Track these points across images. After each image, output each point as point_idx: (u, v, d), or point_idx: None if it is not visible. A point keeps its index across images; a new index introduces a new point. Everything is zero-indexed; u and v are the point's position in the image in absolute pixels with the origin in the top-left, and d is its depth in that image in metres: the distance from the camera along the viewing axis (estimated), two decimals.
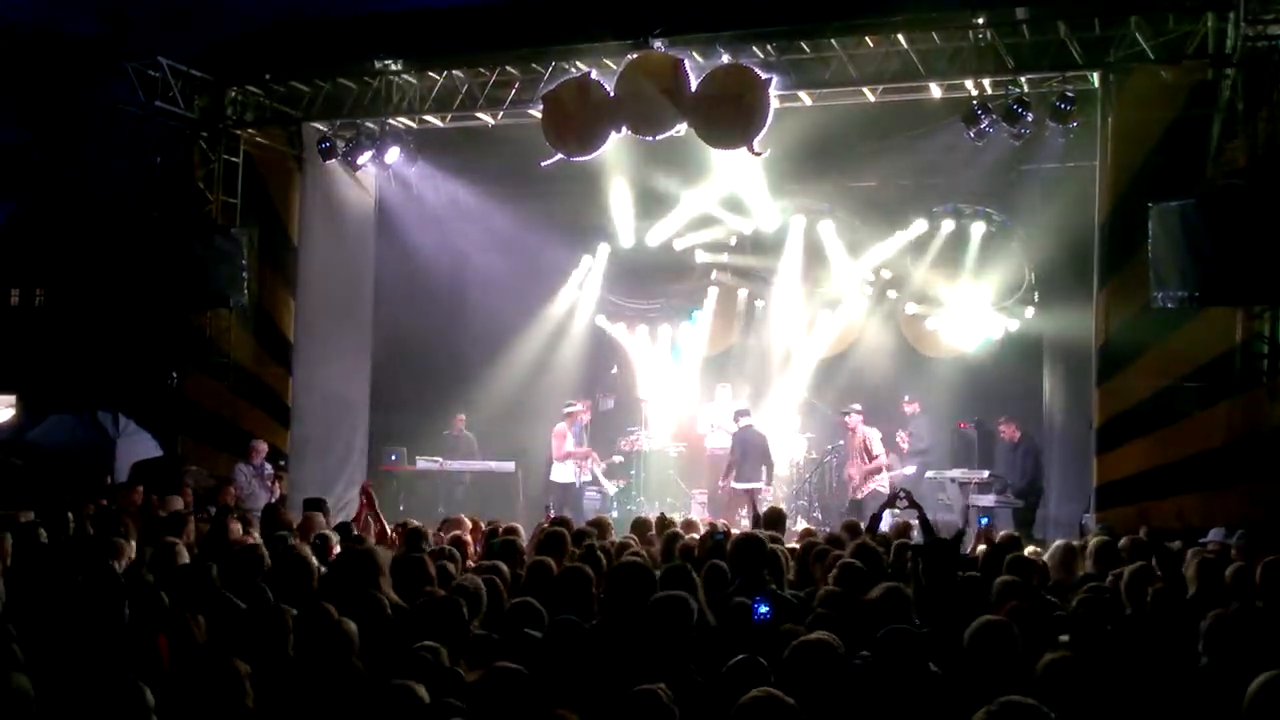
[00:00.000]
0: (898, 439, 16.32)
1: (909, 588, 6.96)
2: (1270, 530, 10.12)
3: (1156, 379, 12.41)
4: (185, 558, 7.95)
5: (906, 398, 16.56)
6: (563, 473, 16.53)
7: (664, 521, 10.45)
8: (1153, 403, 12.40)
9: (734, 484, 15.68)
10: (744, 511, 13.74)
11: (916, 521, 9.91)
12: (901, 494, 9.87)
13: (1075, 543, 9.74)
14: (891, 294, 17.34)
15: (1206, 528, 10.91)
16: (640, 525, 10.51)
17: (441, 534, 9.88)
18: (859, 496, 15.42)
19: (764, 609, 5.61)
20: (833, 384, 17.75)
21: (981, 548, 9.54)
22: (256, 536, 9.33)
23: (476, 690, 4.69)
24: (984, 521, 11.50)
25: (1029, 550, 9.23)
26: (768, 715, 4.04)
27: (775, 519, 10.06)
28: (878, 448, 15.49)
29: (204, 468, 15.07)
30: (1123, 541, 9.23)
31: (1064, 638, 6.09)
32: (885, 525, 10.51)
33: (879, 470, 15.44)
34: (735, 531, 10.32)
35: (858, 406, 15.87)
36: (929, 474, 15.84)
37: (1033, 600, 6.92)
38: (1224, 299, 12.11)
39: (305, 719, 4.23)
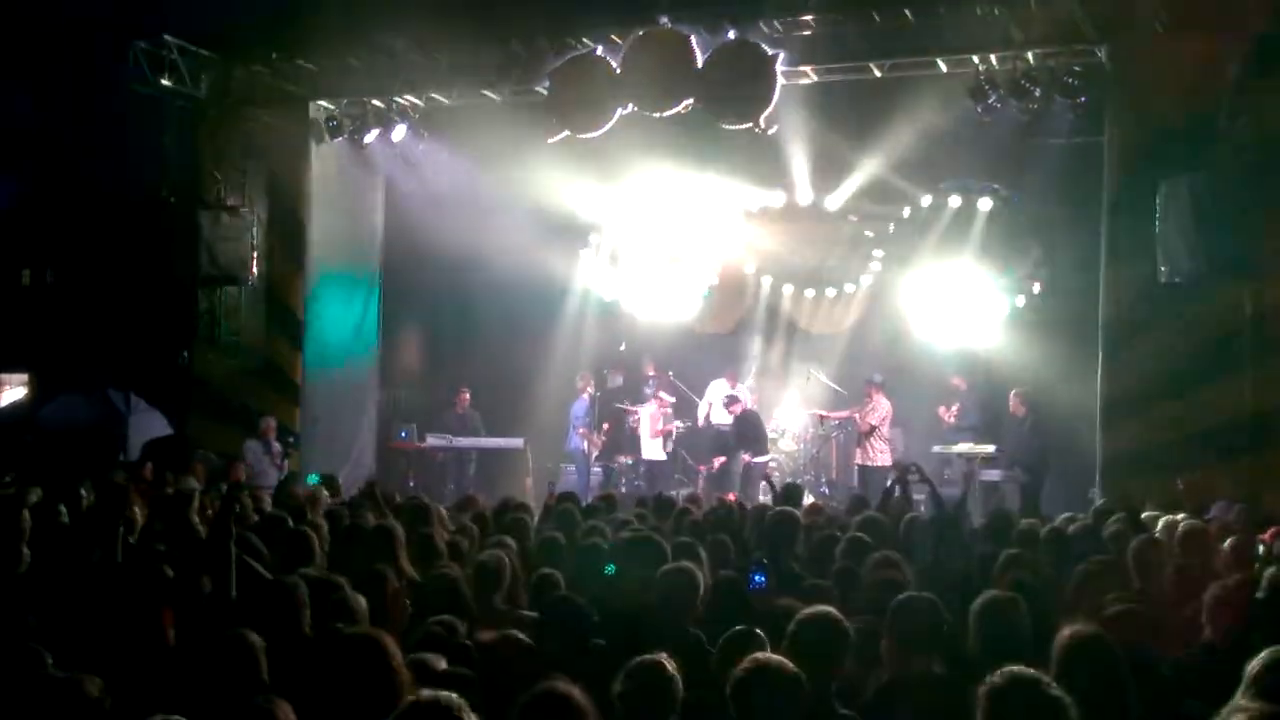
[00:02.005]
0: (940, 413, 16.25)
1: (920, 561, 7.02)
2: (1271, 504, 10.16)
3: (1163, 354, 12.40)
4: (199, 532, 8.04)
5: (957, 373, 16.44)
6: (654, 449, 17.03)
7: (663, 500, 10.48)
8: (1159, 378, 12.40)
9: (754, 459, 15.97)
10: (764, 486, 13.79)
11: (926, 495, 10.00)
12: (913, 467, 9.91)
13: (1080, 516, 9.80)
14: (897, 270, 17.28)
15: (1211, 502, 10.92)
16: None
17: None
18: (868, 465, 15.49)
19: (760, 578, 5.68)
20: (838, 360, 17.75)
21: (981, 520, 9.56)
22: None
23: (482, 656, 4.76)
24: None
25: (1026, 523, 9.24)
26: (768, 682, 4.12)
27: (793, 495, 10.12)
28: (874, 418, 15.51)
29: (212, 448, 15.13)
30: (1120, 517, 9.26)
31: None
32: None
33: (869, 432, 15.47)
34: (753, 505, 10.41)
35: (879, 377, 15.87)
36: (935, 449, 15.83)
37: (1039, 574, 6.95)
38: (1231, 273, 12.08)
39: (319, 691, 4.27)
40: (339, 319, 16.90)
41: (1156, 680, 4.77)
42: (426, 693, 3.48)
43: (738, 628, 5.09)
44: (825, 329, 18.16)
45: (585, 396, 17.27)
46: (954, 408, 16.09)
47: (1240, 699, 4.01)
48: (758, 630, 4.99)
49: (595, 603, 5.74)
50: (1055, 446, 14.90)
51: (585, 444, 17.08)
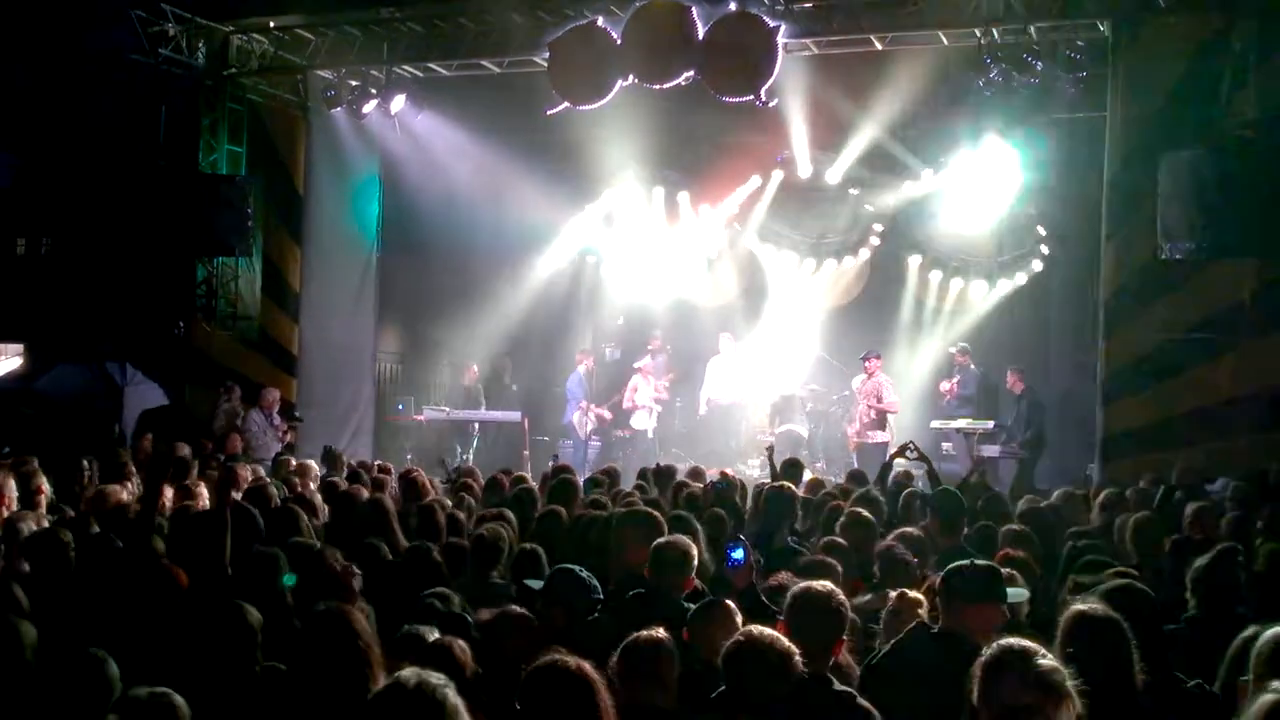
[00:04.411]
0: (941, 388, 16.20)
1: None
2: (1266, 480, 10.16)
3: (1163, 331, 12.40)
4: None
5: (958, 346, 16.38)
6: (640, 420, 17.10)
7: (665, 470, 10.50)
8: (1159, 355, 12.40)
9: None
10: (762, 460, 13.77)
11: (924, 472, 9.99)
12: (911, 444, 9.92)
13: (1078, 492, 9.82)
14: (898, 245, 17.24)
15: (1212, 479, 10.92)
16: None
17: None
18: (860, 441, 15.46)
19: (738, 554, 5.66)
20: (837, 335, 17.71)
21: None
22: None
23: (485, 631, 4.75)
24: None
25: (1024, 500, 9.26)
26: (759, 657, 4.12)
27: (792, 469, 10.10)
28: (889, 396, 15.46)
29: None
30: (1128, 491, 9.28)
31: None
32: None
33: (884, 418, 15.43)
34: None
35: (879, 352, 15.83)
36: (934, 424, 15.79)
37: (1035, 550, 6.97)
38: (1232, 251, 12.07)
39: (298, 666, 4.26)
40: (337, 291, 16.86)
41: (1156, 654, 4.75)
42: (408, 672, 3.30)
43: (706, 599, 5.09)
44: (824, 302, 18.10)
45: (580, 370, 17.26)
46: (954, 380, 16.03)
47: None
48: (728, 601, 4.98)
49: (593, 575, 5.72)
50: (1053, 423, 14.90)
51: (580, 418, 17.07)
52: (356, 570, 5.70)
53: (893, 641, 4.92)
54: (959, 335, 16.55)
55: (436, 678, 3.25)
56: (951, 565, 4.91)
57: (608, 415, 17.31)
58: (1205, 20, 12.22)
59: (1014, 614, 5.00)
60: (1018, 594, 5.05)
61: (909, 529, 7.02)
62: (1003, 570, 5.24)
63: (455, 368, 17.63)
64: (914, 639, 4.80)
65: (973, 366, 15.95)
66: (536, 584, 5.56)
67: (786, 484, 8.20)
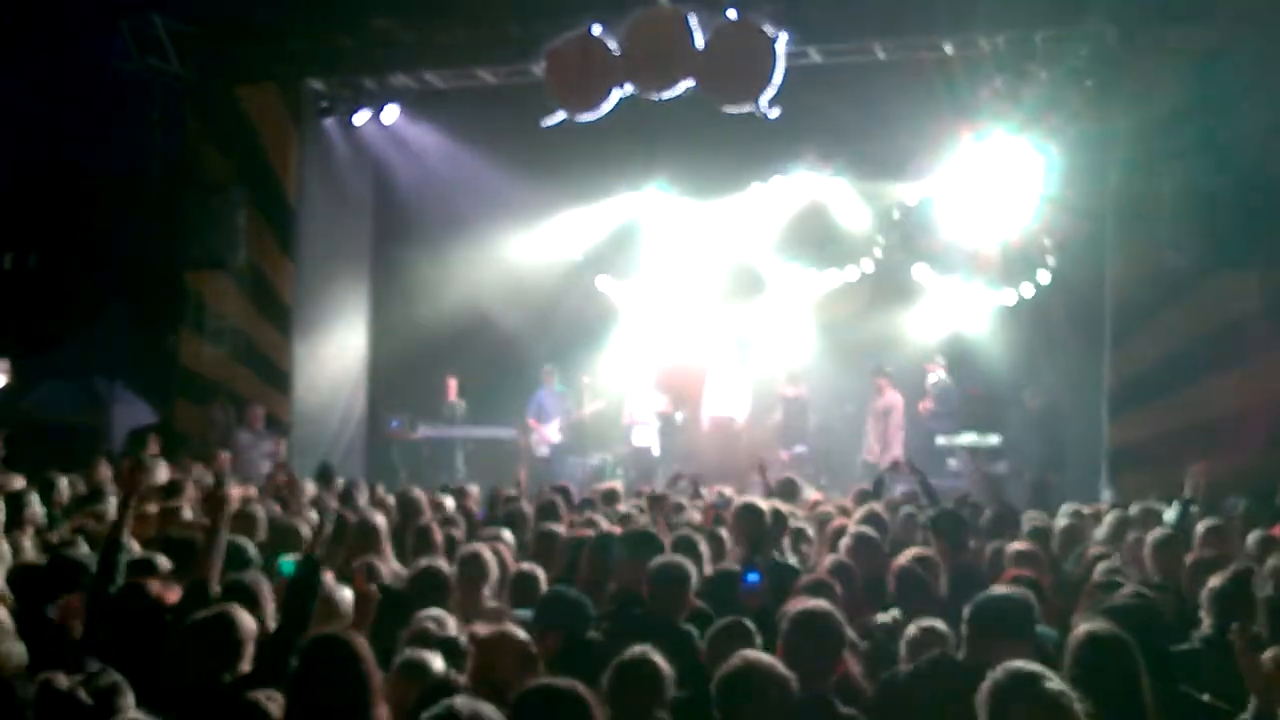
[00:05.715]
0: (920, 407, 15.94)
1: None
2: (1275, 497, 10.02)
3: (1171, 342, 12.34)
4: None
5: (936, 360, 16.12)
6: (641, 436, 16.87)
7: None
8: (1166, 367, 12.31)
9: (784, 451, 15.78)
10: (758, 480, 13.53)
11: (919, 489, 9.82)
12: (902, 460, 9.81)
13: (1086, 509, 9.65)
14: (901, 255, 17.03)
15: (1222, 494, 10.74)
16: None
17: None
18: (875, 461, 15.19)
19: (753, 576, 5.56)
20: (839, 348, 17.48)
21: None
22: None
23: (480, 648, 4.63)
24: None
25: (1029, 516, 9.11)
26: (755, 682, 4.06)
27: (787, 489, 9.92)
28: (899, 416, 15.21)
29: (198, 436, 14.90)
30: (1133, 508, 9.12)
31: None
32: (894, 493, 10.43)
33: (895, 436, 15.19)
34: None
35: (890, 368, 15.60)
36: (939, 440, 15.54)
37: (1044, 569, 6.86)
38: (1239, 261, 11.99)
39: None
40: (330, 306, 16.67)
41: (1166, 672, 4.71)
42: (461, 701, 3.36)
43: (724, 620, 5.04)
44: (826, 314, 17.88)
45: (542, 389, 17.03)
46: (932, 379, 15.71)
47: None
48: (745, 621, 4.95)
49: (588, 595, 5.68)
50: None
51: (533, 436, 16.84)
52: (351, 591, 5.60)
53: (914, 665, 4.84)
54: (962, 347, 16.34)
55: (492, 711, 3.32)
56: (983, 596, 4.83)
57: (548, 436, 16.99)
58: (1211, 30, 12.16)
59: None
60: (1048, 633, 4.93)
61: (925, 550, 6.85)
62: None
63: (444, 384, 17.44)
64: (936, 667, 4.70)
65: (946, 377, 15.72)
66: (525, 613, 5.45)
67: (750, 500, 7.99)
